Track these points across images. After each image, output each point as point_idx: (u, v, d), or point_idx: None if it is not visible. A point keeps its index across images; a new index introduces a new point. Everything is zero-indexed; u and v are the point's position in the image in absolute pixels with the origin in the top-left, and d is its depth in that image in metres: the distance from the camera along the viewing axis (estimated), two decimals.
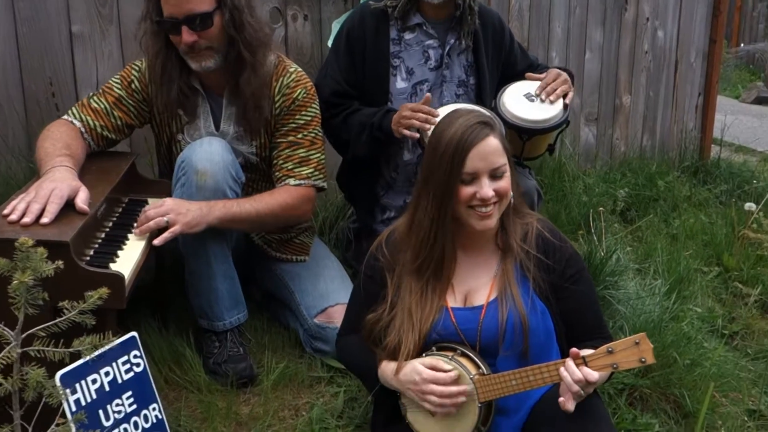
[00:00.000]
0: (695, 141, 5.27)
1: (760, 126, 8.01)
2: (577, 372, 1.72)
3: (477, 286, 2.00)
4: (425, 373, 1.85)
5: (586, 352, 1.77)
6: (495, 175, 1.89)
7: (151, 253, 2.19)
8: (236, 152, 2.48)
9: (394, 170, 2.73)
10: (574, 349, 1.76)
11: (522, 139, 2.52)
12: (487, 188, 1.87)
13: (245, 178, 2.53)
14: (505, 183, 1.90)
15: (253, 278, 2.78)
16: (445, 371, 1.84)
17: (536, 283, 1.97)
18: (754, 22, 12.53)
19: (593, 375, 1.72)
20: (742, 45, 12.39)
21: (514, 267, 1.98)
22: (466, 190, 1.88)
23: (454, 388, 1.85)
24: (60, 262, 1.45)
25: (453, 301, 1.99)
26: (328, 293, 2.57)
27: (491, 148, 1.87)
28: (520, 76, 2.72)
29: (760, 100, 9.85)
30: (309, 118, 2.48)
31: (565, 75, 2.64)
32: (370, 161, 2.71)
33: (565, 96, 2.56)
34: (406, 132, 2.45)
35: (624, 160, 4.79)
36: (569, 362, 1.75)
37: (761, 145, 6.73)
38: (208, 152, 2.27)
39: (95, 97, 2.42)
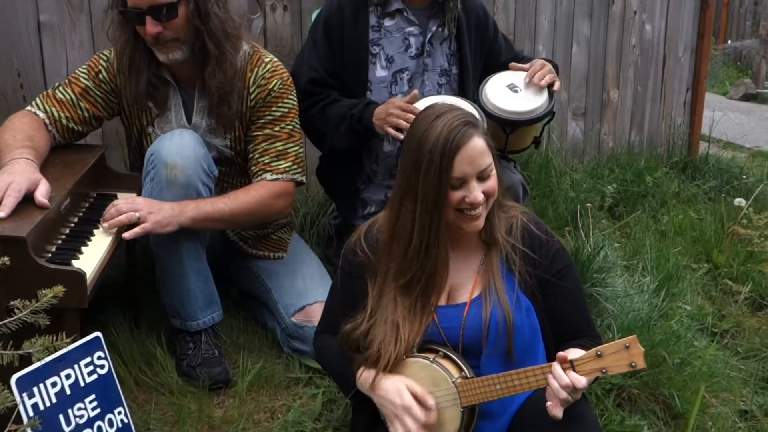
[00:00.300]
0: (683, 136, 5.22)
1: (748, 122, 7.99)
2: (564, 377, 1.64)
3: (460, 282, 1.91)
4: (406, 401, 1.75)
5: (573, 354, 1.69)
6: (483, 176, 1.80)
7: (118, 249, 2.10)
8: (209, 146, 2.38)
9: (375, 162, 2.64)
10: (561, 353, 1.68)
11: (505, 131, 2.44)
12: (476, 192, 1.78)
13: (219, 172, 2.44)
14: (492, 182, 1.82)
15: (229, 276, 2.69)
16: (427, 407, 1.75)
17: (522, 278, 1.89)
18: (741, 18, 12.52)
19: (581, 381, 1.64)
20: (729, 42, 12.38)
21: (500, 261, 1.90)
22: (455, 195, 1.79)
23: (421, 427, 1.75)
24: (6, 258, 1.35)
25: (436, 298, 1.91)
26: (306, 291, 2.48)
27: (478, 149, 1.77)
28: (503, 68, 2.64)
29: (747, 97, 9.86)
30: (286, 110, 2.38)
31: (550, 65, 2.56)
32: (350, 154, 2.61)
33: (550, 86, 2.48)
34: (391, 131, 2.35)
35: (612, 156, 4.72)
36: (556, 367, 1.66)
37: (749, 141, 6.70)
38: (179, 145, 2.18)
39: (61, 88, 2.32)
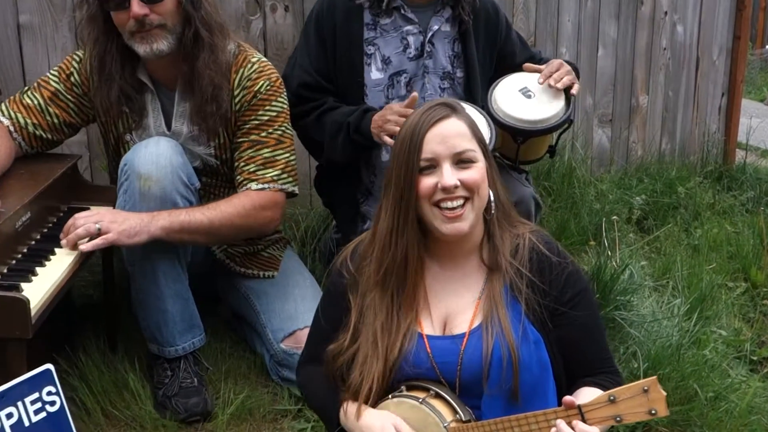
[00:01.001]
0: (718, 144, 4.95)
1: None
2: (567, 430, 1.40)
3: (458, 310, 1.69)
4: None
5: (585, 397, 1.45)
6: (460, 161, 1.61)
7: (81, 269, 1.90)
8: (193, 154, 2.19)
9: (373, 174, 2.42)
10: (567, 398, 1.44)
11: (517, 141, 2.19)
12: (448, 176, 1.58)
13: (204, 183, 2.25)
14: (474, 174, 1.61)
15: (218, 295, 2.49)
16: None
17: (529, 307, 1.65)
18: None
19: (588, 430, 1.40)
20: (767, 47, 11.96)
21: (504, 288, 1.66)
22: (427, 182, 1.60)
23: None
24: None
25: (429, 327, 1.68)
26: (297, 314, 2.26)
27: (452, 129, 1.61)
28: (518, 70, 2.40)
29: None
30: (274, 114, 2.17)
31: (569, 66, 2.31)
32: (348, 164, 2.40)
33: (568, 90, 2.23)
34: (387, 140, 2.14)
35: (641, 165, 4.46)
36: (561, 424, 1.42)
37: None
38: (154, 154, 1.98)
39: (29, 92, 2.15)
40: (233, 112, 2.15)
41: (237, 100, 2.15)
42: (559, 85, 2.23)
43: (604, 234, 3.31)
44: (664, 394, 1.37)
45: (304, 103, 2.33)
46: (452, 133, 1.61)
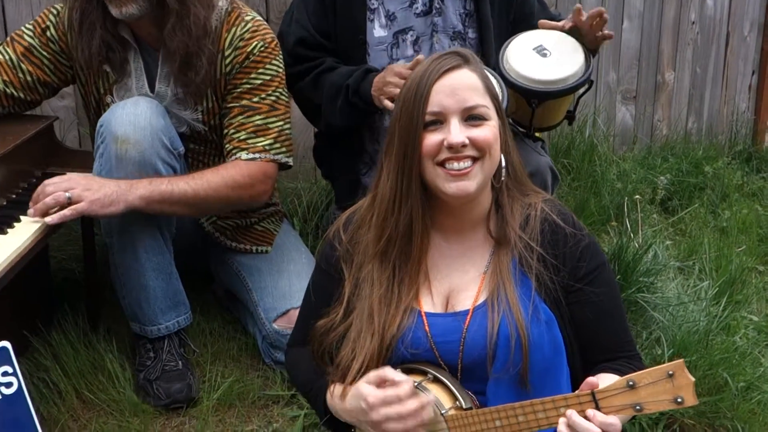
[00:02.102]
0: (748, 124, 4.71)
1: None
2: (584, 423, 1.22)
3: (461, 285, 1.51)
4: (371, 397, 1.36)
5: (604, 381, 1.26)
6: (471, 117, 1.44)
7: (46, 239, 1.74)
8: (179, 119, 2.02)
9: (377, 141, 2.23)
10: (590, 379, 1.25)
11: (531, 105, 1.99)
12: (456, 132, 1.40)
13: (192, 151, 2.09)
14: (486, 132, 1.44)
15: (211, 272, 2.33)
16: (396, 382, 1.35)
17: (540, 283, 1.47)
18: None
19: (609, 422, 1.21)
20: None
21: (512, 262, 1.48)
22: (432, 139, 1.43)
23: (413, 404, 1.34)
24: None
25: (429, 304, 1.50)
26: (291, 293, 2.09)
27: (463, 81, 1.44)
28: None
29: None
30: (268, 77, 2.00)
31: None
32: (349, 131, 2.21)
33: (588, 48, 2.01)
34: (388, 104, 1.95)
35: (666, 144, 4.23)
36: (573, 415, 1.24)
37: None
38: (132, 114, 1.82)
39: (1, 47, 1.98)
40: (223, 74, 1.98)
41: (228, 61, 1.97)
42: (594, 26, 1.98)
43: (626, 214, 3.12)
44: (692, 379, 1.18)
45: (301, 62, 2.15)
46: (463, 86, 1.44)
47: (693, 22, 4.33)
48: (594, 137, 3.65)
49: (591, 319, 1.50)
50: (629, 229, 2.82)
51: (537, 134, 2.17)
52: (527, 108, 2.02)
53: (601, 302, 1.50)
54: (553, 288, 1.47)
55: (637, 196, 3.25)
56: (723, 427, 2.01)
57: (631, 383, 1.19)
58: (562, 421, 1.24)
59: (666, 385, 1.18)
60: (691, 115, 4.47)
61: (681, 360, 1.18)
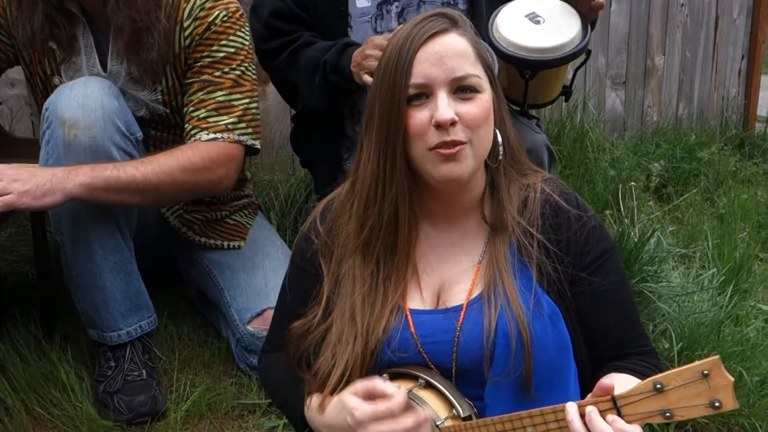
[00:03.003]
0: (738, 110, 4.59)
1: None
2: (603, 426, 1.05)
3: (453, 278, 1.34)
4: (359, 412, 1.17)
5: (620, 384, 1.09)
6: (461, 89, 1.25)
7: None
8: (137, 101, 1.83)
9: (359, 123, 2.05)
10: (604, 381, 1.08)
11: (524, 76, 1.81)
12: (444, 107, 1.22)
13: (153, 137, 1.90)
14: (477, 108, 1.26)
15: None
16: (388, 395, 1.17)
17: (542, 272, 1.30)
18: None
19: (625, 429, 1.04)
20: None
21: (509, 250, 1.31)
22: (419, 116, 1.24)
23: (408, 421, 1.17)
24: None
25: (418, 300, 1.33)
26: (267, 291, 1.91)
27: (451, 47, 1.26)
28: None
29: None
30: (232, 50, 1.81)
31: None
32: (328, 113, 2.03)
33: (583, 14, 1.85)
34: (368, 79, 1.77)
35: (657, 130, 4.09)
36: (592, 412, 1.07)
37: None
38: (81, 95, 1.63)
39: None
40: (182, 47, 1.79)
41: (187, 33, 1.79)
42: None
43: (621, 201, 2.97)
44: (731, 379, 1.01)
45: (277, 36, 1.96)
46: (451, 52, 1.25)
47: (682, 5, 4.21)
48: (585, 123, 3.50)
49: (599, 312, 1.33)
50: (627, 216, 2.66)
51: (531, 112, 2.00)
52: (520, 81, 1.84)
53: (610, 292, 1.33)
54: (556, 278, 1.30)
55: (632, 183, 3.10)
56: (738, 426, 1.85)
57: (658, 386, 1.02)
58: (575, 416, 1.06)
59: (700, 387, 1.00)
60: (681, 100, 4.34)
61: (717, 357, 1.00)
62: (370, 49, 1.77)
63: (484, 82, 1.29)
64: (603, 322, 1.33)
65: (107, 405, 1.73)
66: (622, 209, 2.86)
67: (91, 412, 1.71)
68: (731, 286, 2.35)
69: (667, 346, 1.96)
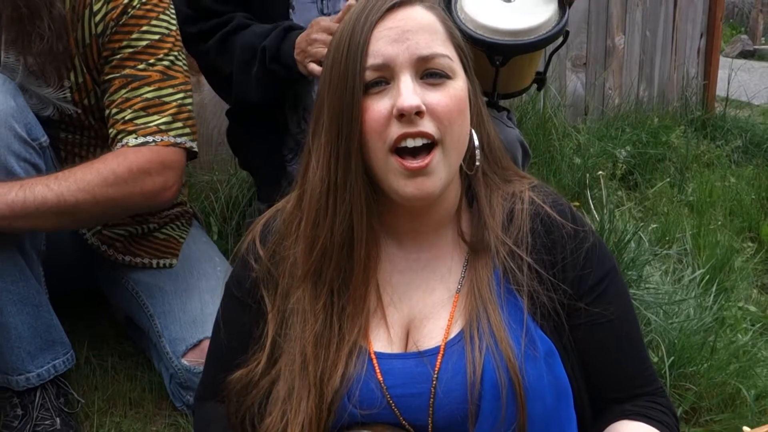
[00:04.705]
0: (698, 90, 4.46)
1: (751, 80, 7.23)
2: None
3: (426, 311, 1.10)
4: None
5: None
6: (429, 72, 1.03)
7: None
8: (41, 99, 1.55)
9: (303, 119, 1.79)
10: None
11: (494, 63, 1.58)
12: (408, 92, 0.99)
13: (65, 141, 1.64)
14: (449, 97, 1.03)
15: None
16: None
17: (535, 301, 1.07)
18: None
19: None
20: None
21: (494, 275, 1.08)
22: (378, 106, 1.01)
23: None
24: None
25: (384, 340, 1.09)
26: (204, 318, 1.64)
27: (417, 21, 1.04)
28: None
29: (744, 54, 9.37)
30: (156, 37, 1.53)
31: None
32: (270, 106, 1.77)
33: None
34: (316, 69, 1.52)
35: (619, 114, 3.92)
36: None
37: (757, 100, 5.92)
38: None
39: None
40: (93, 35, 1.51)
41: (98, 17, 1.50)
42: None
43: (589, 193, 2.78)
44: None
45: (206, 18, 1.69)
46: (415, 26, 1.02)
47: None
48: (548, 107, 3.30)
49: (602, 347, 1.11)
50: (593, 209, 2.47)
51: (501, 102, 1.76)
52: (489, 68, 1.60)
53: (614, 322, 1.11)
54: (551, 308, 1.08)
55: (600, 172, 2.91)
56: None
57: None
58: None
59: None
60: (642, 81, 4.19)
61: None
62: (316, 33, 1.52)
63: (457, 67, 1.06)
64: (607, 358, 1.11)
65: None
66: (591, 202, 2.67)
67: None
68: (714, 286, 2.18)
69: (656, 359, 1.77)
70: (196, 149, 1.60)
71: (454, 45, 1.06)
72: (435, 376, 1.04)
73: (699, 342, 1.79)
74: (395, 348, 1.08)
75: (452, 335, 1.06)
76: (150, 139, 1.51)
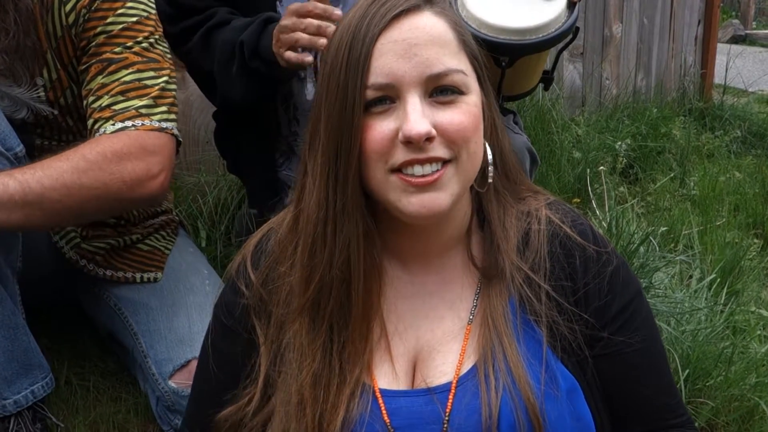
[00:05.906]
0: (696, 79, 4.38)
1: (744, 65, 7.14)
2: None
3: (434, 342, 1.01)
4: None
5: None
6: (439, 90, 0.93)
7: None
8: (13, 100, 1.44)
9: (295, 120, 1.69)
10: None
11: (500, 64, 1.47)
12: (417, 117, 0.90)
13: (42, 148, 1.51)
14: (463, 115, 0.93)
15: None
16: None
17: (554, 333, 0.98)
18: None
19: None
20: None
21: (509, 303, 0.98)
22: (380, 128, 0.92)
23: None
24: None
25: (389, 375, 0.99)
26: (192, 336, 1.53)
27: (426, 32, 0.93)
28: None
29: (736, 39, 9.31)
30: (133, 19, 1.41)
31: None
32: (259, 106, 1.66)
33: None
34: (291, 56, 1.41)
35: (617, 105, 3.82)
36: None
37: (754, 86, 5.84)
38: None
39: None
40: (65, 27, 1.39)
41: (69, 7, 1.38)
42: None
43: (590, 190, 2.69)
44: None
45: (188, 15, 1.58)
46: (425, 39, 0.92)
47: None
48: (547, 99, 3.19)
49: (627, 379, 1.02)
50: (604, 212, 2.38)
51: (506, 105, 1.66)
52: (495, 70, 1.50)
53: (641, 351, 1.03)
54: (573, 340, 0.99)
55: (602, 167, 2.83)
56: None
57: None
58: None
59: None
60: (639, 71, 4.10)
61: None
62: (287, 20, 1.41)
63: (471, 80, 0.96)
64: (633, 390, 1.02)
65: None
66: (593, 200, 2.59)
67: None
68: (725, 289, 2.09)
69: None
70: (180, 139, 1.47)
71: (467, 54, 0.96)
72: (446, 418, 0.94)
73: (714, 353, 1.70)
74: (401, 384, 0.98)
75: (464, 371, 0.97)
76: (129, 123, 1.37)
